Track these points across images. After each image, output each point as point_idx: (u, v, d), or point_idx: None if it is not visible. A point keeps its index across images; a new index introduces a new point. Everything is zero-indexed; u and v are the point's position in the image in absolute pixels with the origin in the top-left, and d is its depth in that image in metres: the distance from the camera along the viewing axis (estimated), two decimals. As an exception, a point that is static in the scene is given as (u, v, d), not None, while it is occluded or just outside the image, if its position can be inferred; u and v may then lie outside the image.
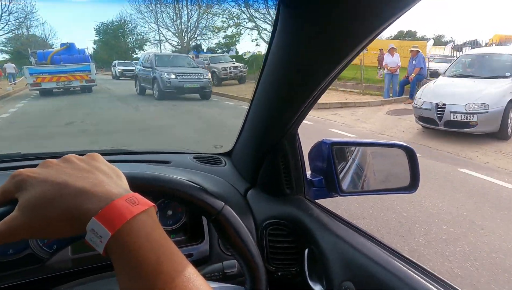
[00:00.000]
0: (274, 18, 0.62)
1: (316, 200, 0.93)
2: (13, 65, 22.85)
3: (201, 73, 12.15)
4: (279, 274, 0.84)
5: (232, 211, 0.55)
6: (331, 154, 0.87)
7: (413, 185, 0.95)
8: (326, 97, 9.59)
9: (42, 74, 13.83)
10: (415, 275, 0.62)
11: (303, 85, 0.69)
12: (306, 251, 0.81)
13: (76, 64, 14.69)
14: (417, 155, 0.95)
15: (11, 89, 16.30)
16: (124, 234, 0.35)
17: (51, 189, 0.38)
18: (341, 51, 0.59)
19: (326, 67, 0.64)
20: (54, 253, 0.71)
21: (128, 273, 0.35)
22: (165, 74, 11.17)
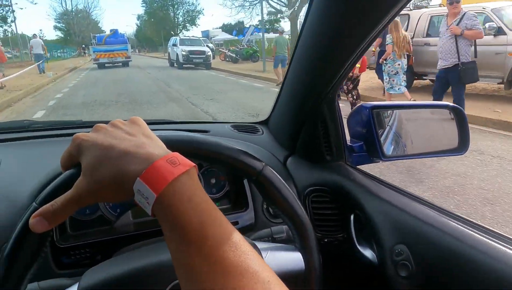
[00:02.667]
0: None
1: (358, 166, 0.92)
2: (41, 41, 15.70)
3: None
4: (325, 240, 0.84)
5: (273, 171, 0.54)
6: (371, 118, 0.84)
7: (462, 146, 0.90)
8: None
9: (100, 52, 21.32)
10: (472, 233, 0.59)
11: (341, 47, 0.68)
12: (352, 216, 0.80)
13: (119, 44, 21.83)
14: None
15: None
16: (167, 196, 0.35)
17: (100, 152, 0.39)
18: (377, 10, 0.57)
19: (363, 29, 0.62)
20: (119, 216, 0.76)
21: (175, 237, 0.35)
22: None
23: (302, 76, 0.81)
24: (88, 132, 0.43)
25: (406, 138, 1.00)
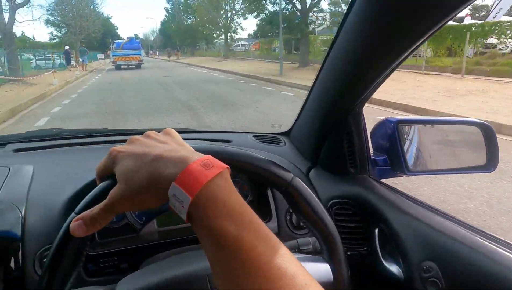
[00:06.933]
0: None
1: (381, 180, 0.91)
2: None
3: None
4: (348, 253, 0.83)
5: (302, 182, 0.54)
6: (396, 132, 0.84)
7: (490, 163, 0.88)
8: None
9: (118, 56, 25.37)
10: (504, 251, 0.58)
11: (376, 62, 0.68)
12: (376, 230, 0.79)
13: (133, 50, 25.88)
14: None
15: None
16: (202, 199, 0.35)
17: (134, 160, 0.39)
18: (418, 29, 0.57)
19: (401, 45, 0.62)
20: (144, 224, 0.78)
21: (211, 242, 0.34)
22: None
23: (330, 89, 0.81)
24: (115, 140, 0.43)
25: (427, 153, 0.99)
